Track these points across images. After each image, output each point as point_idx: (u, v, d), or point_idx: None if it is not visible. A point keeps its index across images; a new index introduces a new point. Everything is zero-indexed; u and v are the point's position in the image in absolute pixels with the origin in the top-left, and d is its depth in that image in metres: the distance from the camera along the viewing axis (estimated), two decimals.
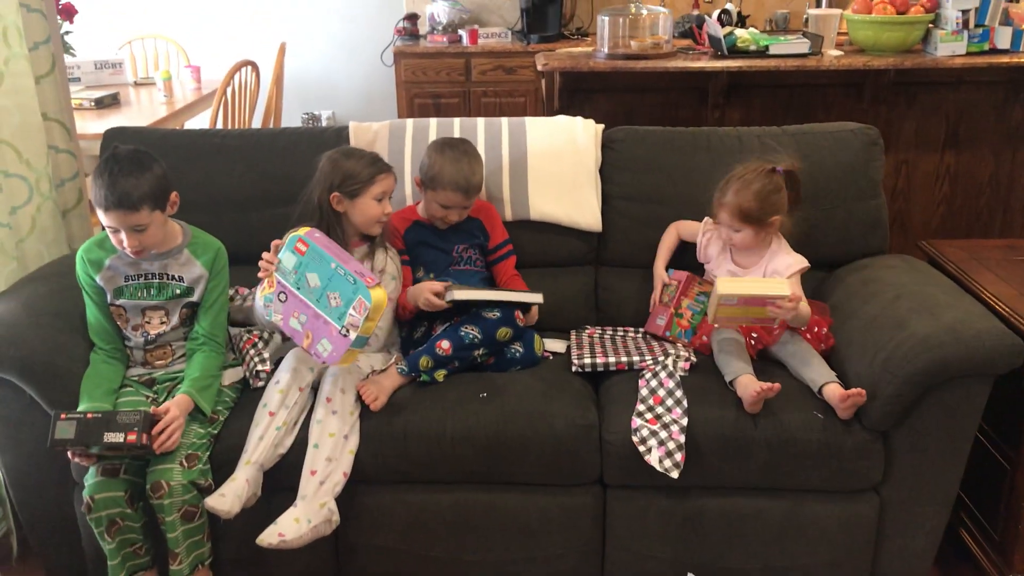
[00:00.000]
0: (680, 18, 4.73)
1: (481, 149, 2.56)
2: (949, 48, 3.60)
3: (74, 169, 2.71)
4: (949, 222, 3.89)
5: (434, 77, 5.11)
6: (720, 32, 3.75)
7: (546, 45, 4.96)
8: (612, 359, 2.29)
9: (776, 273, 2.32)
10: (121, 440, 1.92)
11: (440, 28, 5.26)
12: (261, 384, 2.21)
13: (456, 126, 2.66)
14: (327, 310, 2.01)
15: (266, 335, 2.34)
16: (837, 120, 2.71)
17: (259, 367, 2.24)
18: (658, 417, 2.10)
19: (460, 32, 5.17)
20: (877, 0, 3.73)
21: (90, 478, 2.01)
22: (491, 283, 2.53)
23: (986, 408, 2.08)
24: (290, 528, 1.97)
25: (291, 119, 5.71)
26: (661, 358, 2.25)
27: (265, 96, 4.84)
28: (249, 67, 4.51)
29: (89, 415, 1.95)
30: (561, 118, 2.73)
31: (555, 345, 2.45)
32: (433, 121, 2.69)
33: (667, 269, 2.51)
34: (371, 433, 2.14)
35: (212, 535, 2.11)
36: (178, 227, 2.25)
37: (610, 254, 2.66)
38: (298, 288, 2.05)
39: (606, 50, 3.86)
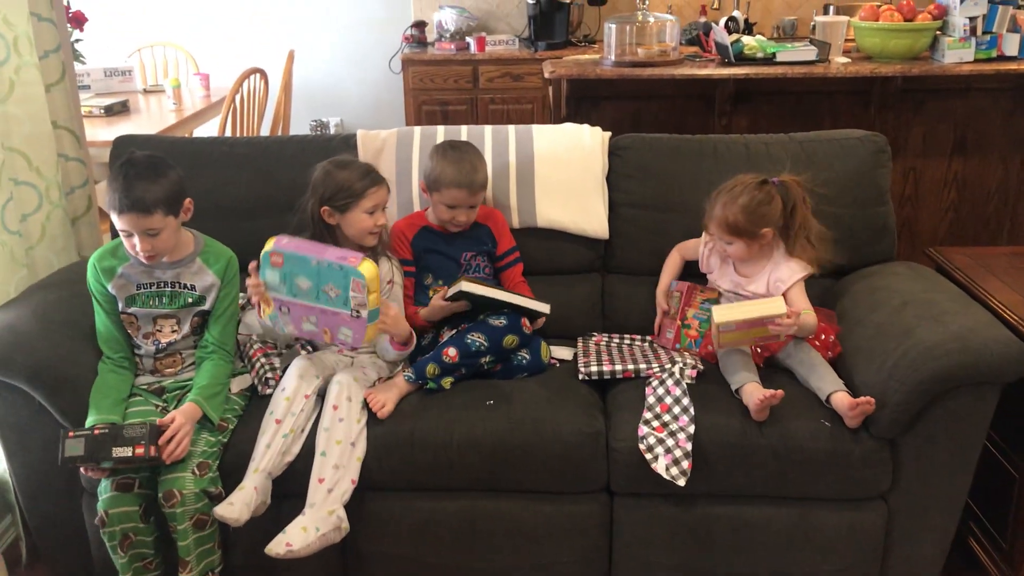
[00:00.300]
0: (687, 25, 4.74)
1: (488, 156, 2.57)
2: (957, 55, 3.60)
3: (84, 177, 2.73)
4: (957, 229, 3.88)
5: (442, 84, 5.13)
6: (727, 39, 3.75)
7: (553, 52, 4.96)
8: (619, 367, 2.30)
9: (780, 281, 2.31)
10: (129, 454, 1.94)
11: (448, 35, 5.27)
12: (270, 391, 2.21)
13: (464, 133, 2.67)
14: (330, 303, 2.03)
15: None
16: (844, 127, 2.71)
17: (268, 374, 2.26)
18: (665, 425, 2.10)
19: (468, 39, 5.19)
20: (884, 7, 3.73)
21: (104, 492, 2.02)
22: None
23: (994, 416, 2.08)
24: (297, 537, 1.98)
25: (299, 126, 5.73)
26: (668, 366, 2.25)
27: (274, 104, 4.86)
28: (258, 75, 4.53)
29: (97, 431, 1.96)
30: (568, 125, 2.73)
31: (562, 352, 2.45)
32: (440, 128, 2.70)
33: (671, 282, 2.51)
34: (378, 440, 2.14)
35: (221, 543, 2.11)
36: (190, 235, 2.26)
37: (617, 261, 2.67)
38: (295, 296, 2.06)
39: (613, 57, 3.87)
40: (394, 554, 2.22)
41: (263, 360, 2.29)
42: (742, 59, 3.74)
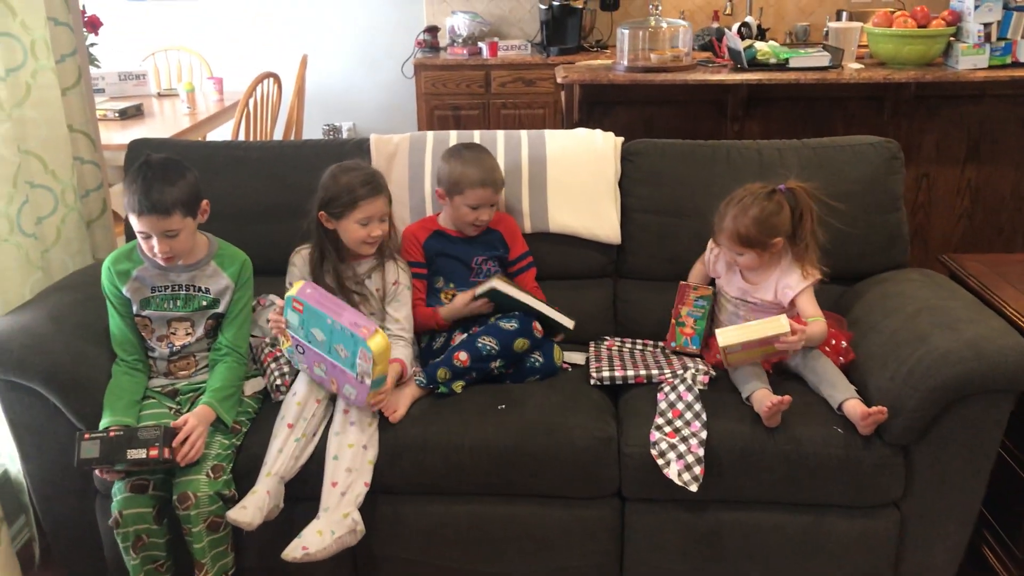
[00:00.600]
0: (700, 31, 4.73)
1: (501, 160, 2.57)
2: (971, 61, 3.59)
3: (98, 180, 2.75)
4: (970, 236, 3.86)
5: (454, 89, 5.14)
6: (740, 45, 3.75)
7: (565, 58, 4.97)
8: (631, 372, 2.30)
9: (788, 288, 2.30)
10: (144, 456, 1.95)
11: (460, 40, 5.29)
12: (282, 397, 2.22)
13: (476, 138, 2.67)
14: (339, 360, 2.06)
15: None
16: (857, 134, 2.70)
17: (278, 381, 2.26)
18: (677, 431, 2.09)
19: (480, 44, 5.20)
20: (898, 13, 3.73)
21: (118, 493, 2.03)
22: None
23: (1009, 424, 2.07)
24: (313, 541, 1.98)
25: (312, 130, 5.75)
26: (680, 371, 2.25)
27: (287, 108, 4.88)
28: (271, 79, 4.54)
29: (111, 433, 1.98)
30: (580, 130, 2.73)
31: (574, 357, 2.45)
32: (453, 133, 2.70)
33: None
34: (389, 444, 2.15)
35: (234, 546, 2.12)
36: (204, 239, 2.27)
37: (629, 266, 2.67)
38: (309, 342, 2.10)
39: (626, 63, 3.87)
40: (405, 558, 2.22)
41: (274, 365, 2.30)
42: (755, 65, 3.74)
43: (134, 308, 2.22)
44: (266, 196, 2.61)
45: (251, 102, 4.30)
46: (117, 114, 4.15)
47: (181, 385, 2.24)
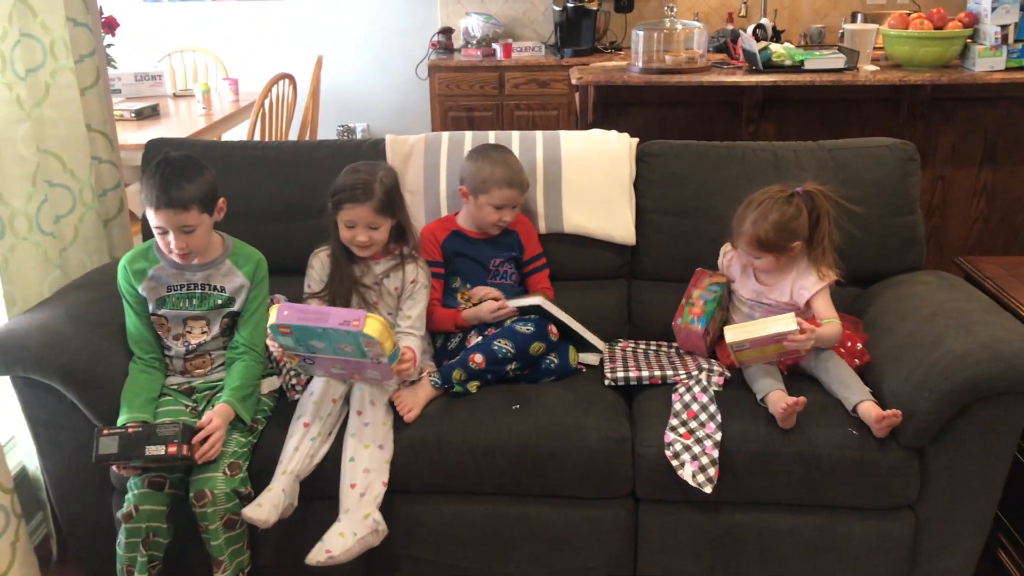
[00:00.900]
0: (714, 33, 4.74)
1: None
2: (988, 63, 3.58)
3: (116, 179, 2.76)
4: (986, 239, 3.85)
5: (468, 90, 5.15)
6: (755, 47, 3.75)
7: (579, 59, 4.98)
8: (645, 373, 2.30)
9: (804, 289, 2.29)
10: (162, 452, 1.96)
11: (474, 42, 5.30)
12: (297, 396, 2.24)
13: (491, 139, 2.67)
14: (348, 355, 2.07)
15: None
16: (872, 136, 2.70)
17: (293, 380, 2.28)
18: (691, 432, 2.09)
19: (494, 46, 5.21)
20: (914, 15, 3.71)
21: (135, 487, 2.04)
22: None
23: None
24: (336, 544, 1.99)
25: (326, 131, 5.77)
26: (695, 372, 2.25)
27: (302, 109, 4.90)
28: (286, 80, 4.56)
29: (130, 429, 1.99)
30: (595, 131, 2.74)
31: (589, 358, 2.45)
32: (468, 134, 2.71)
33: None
34: (404, 443, 2.15)
35: (249, 544, 2.13)
36: (219, 238, 2.29)
37: (643, 267, 2.67)
38: (314, 352, 2.10)
39: (640, 64, 3.87)
40: (419, 557, 2.23)
41: (289, 364, 2.30)
42: (770, 67, 3.73)
43: (150, 307, 2.23)
44: (282, 196, 2.63)
45: (266, 103, 4.32)
46: (133, 114, 4.17)
47: (197, 383, 2.25)
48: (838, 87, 3.61)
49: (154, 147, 2.64)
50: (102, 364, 2.15)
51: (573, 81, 3.82)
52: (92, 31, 2.60)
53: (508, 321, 2.33)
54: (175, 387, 2.24)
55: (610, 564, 2.22)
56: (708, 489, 2.03)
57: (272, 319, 2.06)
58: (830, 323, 2.21)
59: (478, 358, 2.24)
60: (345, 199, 2.28)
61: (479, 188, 2.43)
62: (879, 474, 2.07)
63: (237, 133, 4.81)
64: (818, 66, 3.67)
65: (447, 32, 5.42)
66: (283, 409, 2.24)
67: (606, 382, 2.32)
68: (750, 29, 4.54)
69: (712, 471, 2.04)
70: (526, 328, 2.29)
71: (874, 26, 3.96)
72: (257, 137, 4.31)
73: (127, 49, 4.94)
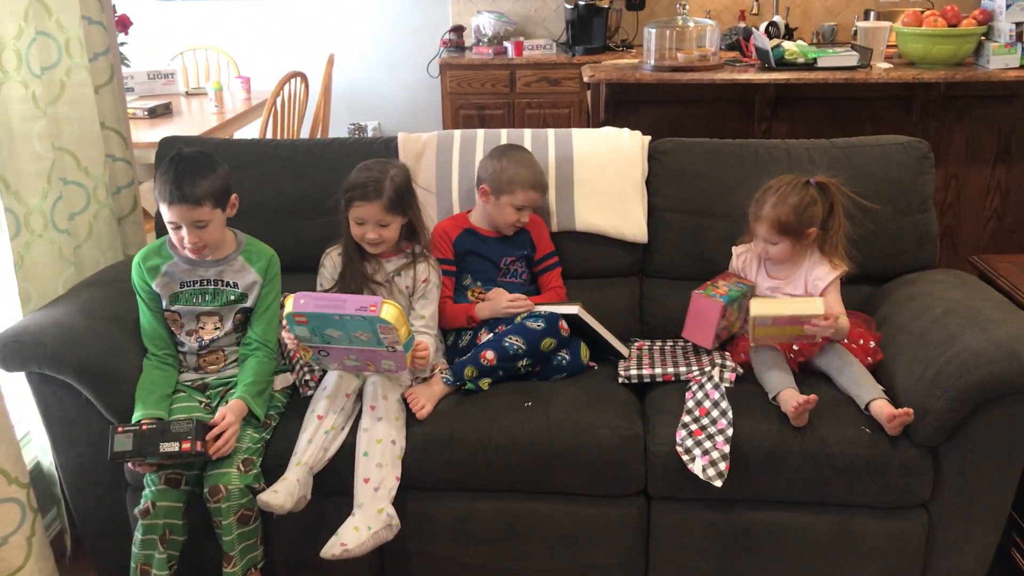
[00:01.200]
0: (726, 30, 4.72)
1: None
2: (1002, 61, 3.56)
3: (130, 177, 2.78)
4: (999, 237, 3.83)
5: (479, 88, 5.15)
6: (768, 44, 3.74)
7: (591, 57, 4.97)
8: (659, 370, 2.30)
9: (818, 279, 2.31)
10: (176, 449, 1.97)
11: (485, 40, 5.30)
12: (310, 392, 2.25)
13: (503, 137, 2.68)
14: (363, 344, 2.07)
15: None
16: (885, 133, 2.69)
17: (307, 376, 2.28)
18: (703, 428, 2.09)
19: (505, 44, 5.21)
20: (928, 12, 3.70)
21: (152, 484, 2.05)
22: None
23: None
24: (351, 537, 2.00)
25: (338, 130, 5.78)
26: (708, 369, 2.25)
27: (313, 107, 4.91)
28: (298, 78, 4.57)
29: (144, 426, 2.00)
30: (608, 129, 2.74)
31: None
32: (480, 132, 2.71)
33: None
34: (417, 440, 2.16)
35: (263, 539, 2.14)
36: (232, 234, 2.30)
37: (656, 266, 2.66)
38: (328, 343, 2.10)
39: (652, 62, 3.87)
40: (431, 553, 2.23)
41: (304, 360, 2.31)
42: (783, 64, 3.73)
43: (163, 303, 2.24)
44: (294, 194, 2.63)
45: (279, 101, 4.33)
46: (146, 112, 4.19)
47: (211, 379, 2.26)
48: (851, 85, 3.60)
49: (167, 145, 2.65)
50: (116, 360, 2.17)
51: (585, 79, 3.82)
52: (106, 29, 2.62)
53: (519, 318, 2.33)
54: (189, 383, 2.25)
55: (622, 562, 2.22)
56: (718, 483, 2.03)
57: (289, 308, 2.06)
58: (843, 316, 2.21)
59: (489, 355, 2.24)
60: (355, 196, 2.29)
61: (502, 189, 2.43)
62: (892, 473, 2.06)
63: (249, 131, 4.82)
64: (831, 64, 3.66)
65: (458, 30, 5.42)
66: (296, 405, 2.25)
67: (619, 380, 2.32)
68: (763, 27, 4.54)
69: (723, 466, 2.03)
70: (536, 324, 2.29)
71: (887, 23, 3.95)
72: (269, 135, 4.32)
73: (140, 47, 4.96)
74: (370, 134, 5.90)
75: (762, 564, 2.19)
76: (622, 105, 3.78)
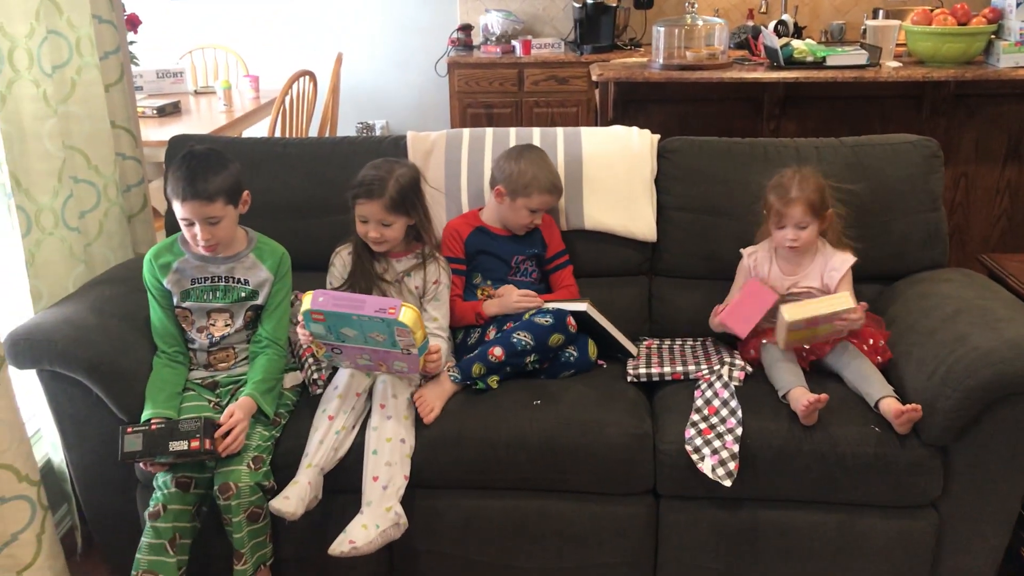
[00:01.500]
0: (735, 29, 4.72)
1: None
2: (1012, 59, 3.55)
3: (139, 175, 2.79)
4: (1009, 236, 3.82)
5: (487, 87, 5.16)
6: (777, 43, 3.73)
7: (599, 56, 4.97)
8: (668, 369, 2.30)
9: (834, 270, 2.33)
10: (185, 447, 1.98)
11: (493, 39, 5.30)
12: (320, 391, 2.25)
13: (512, 136, 2.68)
14: (378, 345, 2.08)
15: None
16: (895, 132, 2.68)
17: (315, 375, 2.29)
18: (712, 427, 2.09)
19: (513, 43, 5.21)
20: (938, 11, 3.69)
21: (165, 486, 2.05)
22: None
23: None
24: (360, 535, 2.00)
25: (346, 128, 5.79)
26: (716, 367, 2.25)
27: (322, 105, 4.92)
28: (307, 77, 4.58)
29: (153, 426, 2.01)
30: (617, 128, 2.73)
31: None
32: (489, 131, 2.71)
33: None
34: (426, 438, 2.16)
35: (272, 536, 2.14)
36: (243, 232, 2.31)
37: (664, 264, 2.66)
38: (343, 342, 2.11)
39: (661, 60, 3.87)
40: (440, 551, 2.24)
41: (312, 360, 2.32)
42: (792, 63, 3.72)
43: (174, 300, 2.25)
44: (303, 192, 2.64)
45: (287, 100, 4.34)
46: (155, 111, 4.20)
47: (221, 377, 2.27)
48: (860, 83, 3.59)
49: (177, 143, 2.66)
50: (127, 358, 2.17)
51: (594, 78, 3.82)
52: (117, 28, 2.63)
53: (527, 314, 2.34)
54: (199, 381, 2.26)
55: (630, 560, 2.23)
56: (728, 483, 2.03)
57: (306, 305, 2.07)
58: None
59: (497, 351, 2.25)
60: (359, 194, 2.31)
61: (519, 191, 2.43)
62: (901, 472, 2.06)
63: (258, 130, 4.83)
64: (840, 62, 3.66)
65: (466, 29, 5.43)
66: (305, 404, 2.25)
67: (628, 378, 2.32)
68: (772, 25, 4.53)
69: (732, 465, 2.03)
70: (545, 320, 2.29)
71: (897, 22, 3.94)
72: (278, 134, 4.33)
73: (149, 46, 4.98)
74: (378, 133, 5.91)
75: (770, 563, 2.18)
76: (631, 104, 3.78)
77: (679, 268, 2.64)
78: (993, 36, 3.63)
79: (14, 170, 2.25)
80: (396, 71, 5.83)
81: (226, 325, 2.26)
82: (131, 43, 4.38)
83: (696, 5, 4.07)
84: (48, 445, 2.46)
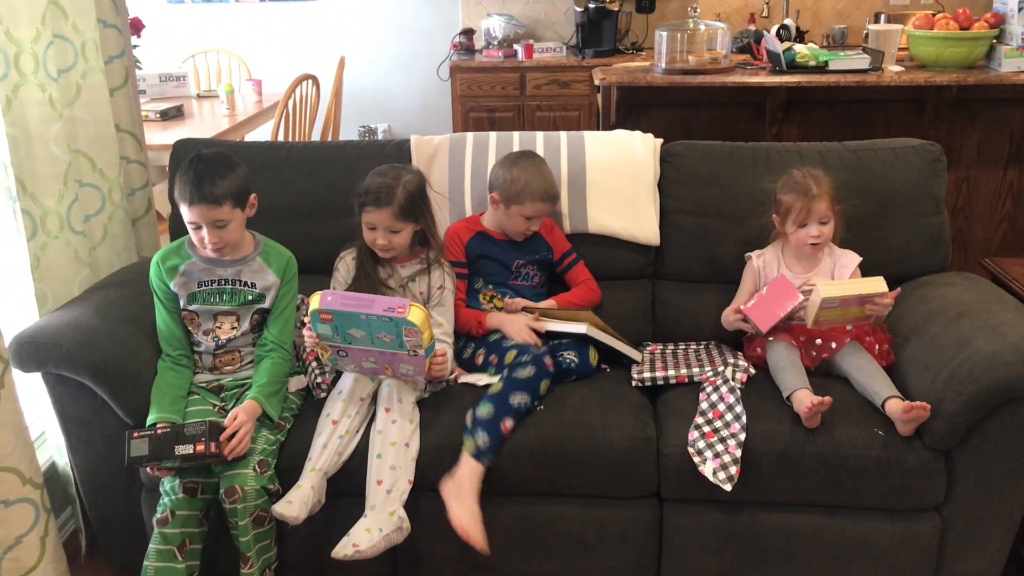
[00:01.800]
0: (737, 33, 4.72)
1: None
2: (1014, 64, 3.56)
3: (144, 179, 2.79)
4: (1011, 240, 3.82)
5: (489, 91, 5.16)
6: (779, 47, 3.74)
7: (601, 60, 4.97)
8: (672, 372, 2.30)
9: (844, 267, 2.37)
10: (191, 451, 1.98)
11: (496, 43, 5.31)
12: (324, 395, 2.25)
13: (515, 140, 2.68)
14: (385, 347, 2.08)
15: None
16: (897, 136, 2.69)
17: (319, 379, 2.29)
18: (716, 431, 2.10)
19: (515, 47, 5.22)
20: (940, 16, 3.70)
21: (172, 492, 2.05)
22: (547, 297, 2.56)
23: None
24: (363, 538, 2.01)
25: (348, 132, 5.80)
26: (720, 369, 2.25)
27: (324, 109, 4.92)
28: (310, 80, 4.59)
29: (159, 430, 2.01)
30: (620, 132, 2.74)
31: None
32: (493, 135, 2.72)
33: None
34: (430, 442, 2.16)
35: (277, 540, 2.14)
36: (250, 235, 2.31)
37: (668, 268, 2.67)
38: (350, 343, 2.11)
39: (663, 65, 3.87)
40: (445, 555, 2.24)
41: (315, 363, 2.32)
42: (794, 67, 3.72)
43: (181, 302, 2.25)
44: (307, 196, 2.65)
45: (290, 103, 4.34)
46: (158, 115, 4.21)
47: (226, 381, 2.28)
48: (863, 88, 3.60)
49: (182, 147, 2.67)
50: (132, 361, 2.18)
51: (596, 82, 3.83)
52: (121, 32, 2.64)
53: (509, 355, 2.27)
54: (204, 385, 2.26)
55: (634, 564, 2.23)
56: (728, 487, 2.03)
57: (315, 305, 2.08)
58: None
59: (508, 423, 2.14)
60: (367, 202, 2.31)
61: (512, 199, 2.43)
62: (905, 475, 2.06)
63: (261, 134, 4.84)
64: (843, 67, 3.66)
65: (468, 33, 5.43)
66: (309, 408, 2.25)
67: (633, 383, 2.32)
68: (774, 29, 4.54)
69: (733, 469, 2.04)
70: (527, 372, 2.19)
71: (899, 26, 3.94)
72: (281, 138, 4.33)
73: (151, 50, 4.99)
74: (380, 136, 5.91)
75: (774, 566, 2.19)
76: (633, 108, 3.79)
77: (682, 272, 2.65)
78: (995, 41, 3.64)
79: (20, 174, 2.25)
80: (398, 75, 5.83)
81: (232, 328, 2.27)
82: (134, 47, 4.39)
83: (698, 9, 4.08)
84: (52, 448, 2.46)
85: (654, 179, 2.64)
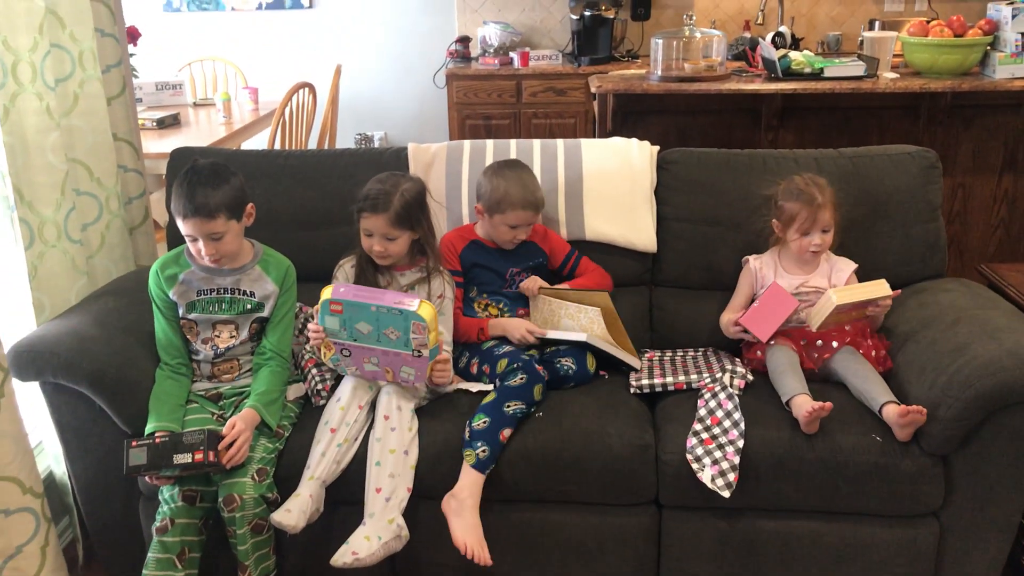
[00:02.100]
0: (733, 41, 4.74)
1: (537, 170, 2.59)
2: (1008, 71, 3.57)
3: (141, 188, 2.79)
4: (1006, 246, 3.84)
5: (485, 99, 5.16)
6: (775, 54, 3.75)
7: (597, 67, 4.98)
8: (670, 379, 2.30)
9: (841, 272, 2.41)
10: (189, 460, 1.98)
11: (492, 51, 5.31)
12: (323, 402, 2.25)
13: (512, 148, 2.69)
14: (390, 344, 2.09)
15: None
16: (892, 143, 2.70)
17: (319, 386, 2.29)
18: (714, 438, 2.10)
19: (511, 54, 5.23)
20: (934, 22, 3.71)
21: (172, 500, 2.05)
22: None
23: None
24: (362, 546, 2.01)
25: (344, 140, 5.80)
26: (718, 375, 2.26)
27: (321, 117, 4.93)
28: (306, 88, 4.60)
29: (157, 439, 2.01)
30: (616, 139, 2.75)
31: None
32: (490, 143, 2.72)
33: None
34: (429, 450, 2.16)
35: (275, 548, 2.14)
36: (249, 244, 2.31)
37: (665, 275, 2.67)
38: (355, 340, 2.12)
39: (660, 72, 3.89)
40: (443, 563, 2.23)
41: (315, 371, 2.32)
42: (789, 74, 3.74)
43: (180, 311, 2.25)
44: (306, 204, 2.65)
45: (286, 111, 4.35)
46: (155, 123, 4.21)
47: (224, 389, 2.27)
48: (858, 95, 3.61)
49: (180, 155, 2.67)
50: (130, 370, 2.18)
51: (593, 89, 3.84)
52: (119, 41, 2.64)
53: (500, 365, 2.28)
54: (202, 393, 2.26)
55: (633, 570, 2.23)
56: (726, 494, 2.04)
57: (326, 295, 2.08)
58: None
59: (506, 432, 2.14)
60: (364, 208, 2.31)
61: (494, 208, 2.44)
62: (903, 481, 2.07)
63: (257, 142, 4.85)
64: (838, 74, 3.68)
65: (464, 41, 5.44)
66: (308, 416, 2.25)
67: (631, 390, 2.32)
68: (769, 37, 4.56)
69: (732, 476, 2.04)
70: (519, 379, 2.20)
71: (893, 33, 3.96)
72: (277, 146, 4.34)
73: (148, 59, 4.99)
74: (376, 144, 5.92)
75: (772, 572, 2.19)
76: (629, 115, 3.80)
77: (679, 278, 2.66)
78: (989, 47, 3.65)
79: (17, 183, 2.25)
80: (395, 83, 5.84)
81: (231, 336, 2.27)
82: (131, 55, 4.40)
83: (694, 17, 4.09)
84: (50, 457, 2.46)
85: (651, 186, 2.65)
